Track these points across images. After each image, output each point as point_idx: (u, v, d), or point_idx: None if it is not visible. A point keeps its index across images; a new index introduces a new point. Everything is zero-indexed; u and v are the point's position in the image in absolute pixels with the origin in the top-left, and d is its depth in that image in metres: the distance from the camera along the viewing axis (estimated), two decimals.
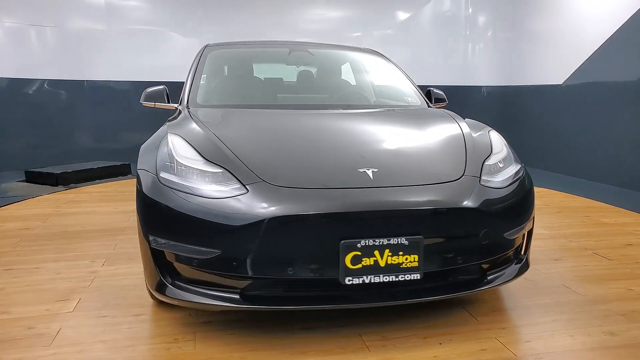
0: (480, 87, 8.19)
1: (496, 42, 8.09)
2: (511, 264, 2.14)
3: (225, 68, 3.44)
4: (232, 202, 1.81)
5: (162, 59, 7.17)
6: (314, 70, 3.54)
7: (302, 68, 3.52)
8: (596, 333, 2.08)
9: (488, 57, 8.13)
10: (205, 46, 3.51)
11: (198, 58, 3.29)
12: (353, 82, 3.55)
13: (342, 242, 1.74)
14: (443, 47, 8.19)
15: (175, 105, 2.98)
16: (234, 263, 1.79)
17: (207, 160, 1.99)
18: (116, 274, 2.74)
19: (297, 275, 1.77)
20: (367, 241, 1.75)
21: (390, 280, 1.79)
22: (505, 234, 2.01)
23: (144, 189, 1.99)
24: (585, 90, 6.22)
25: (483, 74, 8.19)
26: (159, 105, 3.07)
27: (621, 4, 5.63)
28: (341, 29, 7.82)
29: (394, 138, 2.39)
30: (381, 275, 1.78)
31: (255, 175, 1.89)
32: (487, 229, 1.93)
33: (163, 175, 1.97)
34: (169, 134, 2.19)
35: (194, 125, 2.31)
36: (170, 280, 1.93)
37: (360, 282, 1.77)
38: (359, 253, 1.75)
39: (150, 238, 1.93)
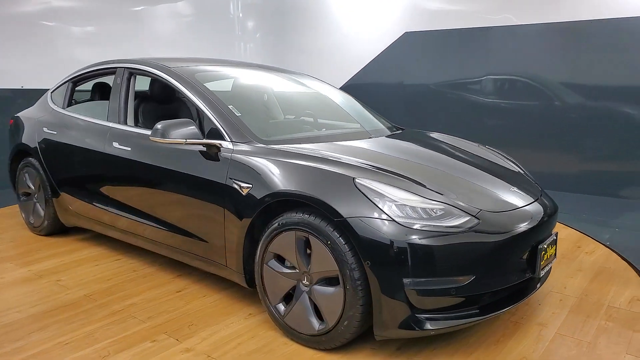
0: None
1: (266, 50, 8.94)
2: None
3: (229, 94, 3.14)
4: (477, 232, 2.11)
5: None
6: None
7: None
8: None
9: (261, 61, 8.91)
10: (163, 65, 3.13)
11: (191, 83, 2.93)
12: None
13: (539, 245, 2.32)
14: (216, 47, 8.52)
15: (215, 141, 2.65)
16: (484, 282, 2.12)
17: (424, 197, 2.16)
18: (241, 343, 2.36)
19: (517, 279, 2.26)
20: (546, 241, 2.38)
21: (549, 266, 2.48)
22: None
23: (386, 236, 2.01)
24: (358, 95, 7.81)
25: None
26: (192, 141, 2.64)
27: (386, 31, 7.36)
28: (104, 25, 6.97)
29: (483, 160, 2.94)
30: (549, 265, 2.45)
31: (472, 206, 2.21)
32: None
33: (401, 220, 2.04)
34: (361, 179, 2.18)
35: (364, 167, 2.35)
36: (418, 315, 2.06)
37: (544, 272, 2.39)
38: (544, 251, 2.36)
39: (406, 281, 2.01)
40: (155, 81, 3.52)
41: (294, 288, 2.36)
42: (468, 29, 6.59)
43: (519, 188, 2.54)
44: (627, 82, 5.23)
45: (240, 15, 8.82)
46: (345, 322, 2.16)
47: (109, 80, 4.12)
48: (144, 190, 3.06)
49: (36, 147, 3.86)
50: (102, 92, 4.22)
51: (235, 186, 2.50)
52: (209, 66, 3.52)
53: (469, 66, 6.57)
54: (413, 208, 2.10)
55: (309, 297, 2.29)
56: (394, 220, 2.04)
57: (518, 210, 2.32)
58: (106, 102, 4.00)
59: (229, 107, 2.82)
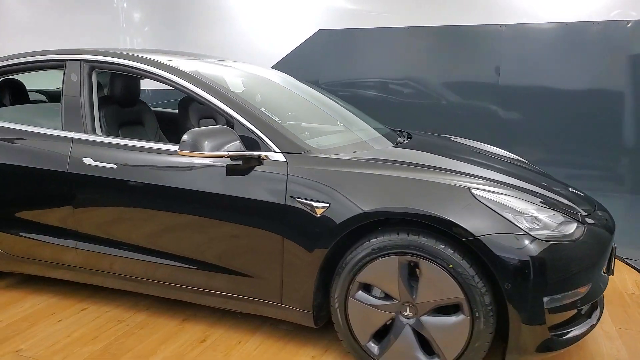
0: (144, 89, 7.96)
1: (156, 45, 8.03)
2: None
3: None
4: (588, 237, 2.00)
5: None
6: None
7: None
8: None
9: None
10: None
11: (207, 84, 2.37)
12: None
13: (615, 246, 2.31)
14: (95, 39, 7.45)
15: (261, 153, 2.16)
16: (595, 290, 2.03)
17: (539, 206, 1.98)
18: None
19: (606, 281, 2.21)
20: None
21: None
22: None
23: (525, 253, 1.80)
24: None
25: None
26: (235, 154, 2.11)
27: (299, 28, 7.13)
28: None
29: (528, 168, 2.83)
30: None
31: (572, 212, 2.10)
32: None
33: (535, 233, 1.84)
34: (478, 190, 1.92)
35: (468, 175, 2.12)
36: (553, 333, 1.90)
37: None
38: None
39: (546, 299, 1.82)
40: (121, 79, 2.81)
41: (386, 321, 2.02)
42: (377, 28, 6.67)
43: (576, 192, 2.51)
44: (502, 83, 5.69)
45: (125, 5, 7.79)
46: (471, 354, 1.90)
47: (26, 77, 3.23)
48: (140, 217, 2.39)
49: None
50: (14, 91, 3.30)
51: (301, 207, 2.05)
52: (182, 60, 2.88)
53: (376, 64, 6.64)
54: (534, 218, 1.92)
55: (413, 330, 1.98)
56: (528, 234, 1.84)
57: (596, 213, 2.29)
58: (38, 105, 3.17)
59: (262, 110, 2.34)
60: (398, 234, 1.94)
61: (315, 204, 2.03)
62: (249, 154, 2.15)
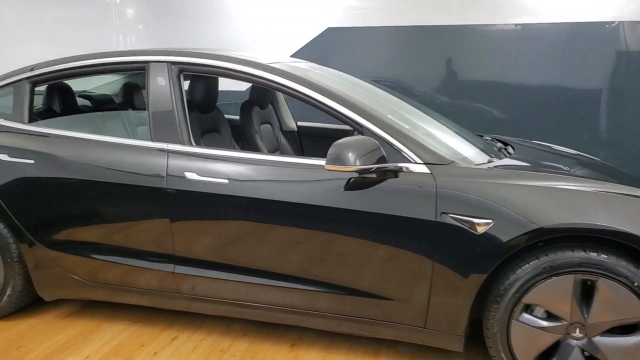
0: None
1: (152, 44, 7.63)
2: None
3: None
4: None
5: None
6: None
7: None
8: None
9: None
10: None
11: (328, 90, 2.17)
12: None
13: None
14: (88, 38, 7.00)
15: (402, 164, 1.99)
16: None
17: None
18: None
19: None
20: None
21: None
22: None
23: None
24: None
25: None
26: (382, 166, 1.93)
27: (307, 26, 6.92)
28: None
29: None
30: None
31: None
32: None
33: None
34: None
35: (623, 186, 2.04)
36: None
37: None
38: None
39: None
40: (203, 83, 2.58)
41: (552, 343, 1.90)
42: (386, 27, 6.54)
43: None
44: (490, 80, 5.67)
45: (118, 1, 7.32)
46: None
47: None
48: (256, 237, 2.16)
49: None
50: (64, 97, 2.99)
51: (457, 223, 1.89)
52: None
53: (383, 63, 6.52)
54: None
55: (582, 352, 1.87)
56: None
57: None
58: (109, 113, 2.90)
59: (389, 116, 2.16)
60: (573, 250, 1.82)
61: (475, 220, 1.88)
62: (392, 166, 1.98)
